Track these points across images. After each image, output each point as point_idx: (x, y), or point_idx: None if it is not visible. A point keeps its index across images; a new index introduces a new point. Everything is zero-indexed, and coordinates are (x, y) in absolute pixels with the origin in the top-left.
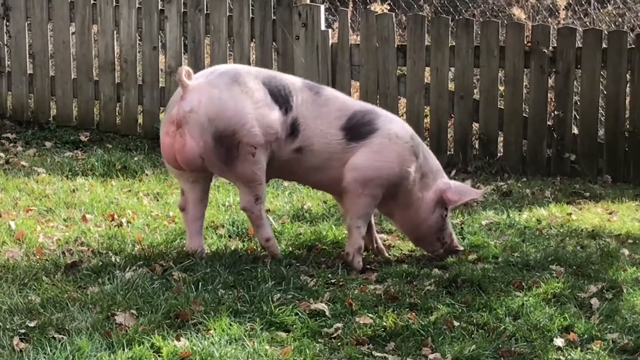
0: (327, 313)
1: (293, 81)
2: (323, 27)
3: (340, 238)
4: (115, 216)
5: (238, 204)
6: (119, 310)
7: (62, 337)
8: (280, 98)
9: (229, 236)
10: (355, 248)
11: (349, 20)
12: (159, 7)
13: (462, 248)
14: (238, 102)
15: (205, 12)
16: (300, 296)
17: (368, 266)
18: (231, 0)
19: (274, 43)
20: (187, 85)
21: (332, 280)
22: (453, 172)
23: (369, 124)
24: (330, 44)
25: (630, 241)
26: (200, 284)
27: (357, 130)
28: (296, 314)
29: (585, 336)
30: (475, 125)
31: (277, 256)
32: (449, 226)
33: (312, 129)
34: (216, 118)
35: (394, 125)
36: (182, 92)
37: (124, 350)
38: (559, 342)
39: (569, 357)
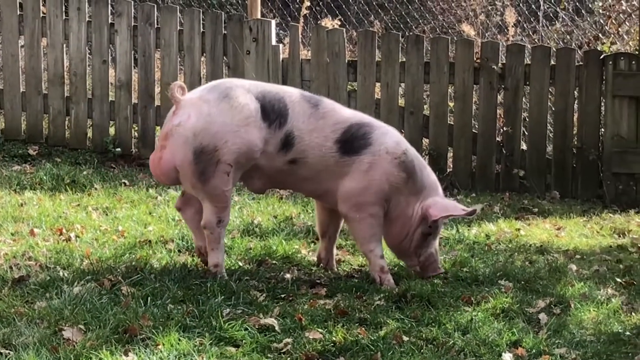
0: (276, 328)
1: (290, 93)
2: (274, 42)
3: (290, 253)
4: (64, 230)
5: None
6: (67, 325)
7: (9, 353)
8: (273, 113)
9: (179, 251)
10: (378, 270)
11: (300, 36)
12: (109, 21)
13: (442, 271)
14: (225, 118)
15: (155, 26)
16: (249, 311)
17: (318, 281)
18: (182, 15)
19: (224, 57)
20: (179, 101)
21: (282, 295)
22: None
23: (363, 137)
24: (281, 58)
25: (577, 256)
26: (149, 298)
27: (351, 143)
28: (245, 329)
29: (533, 351)
30: (425, 141)
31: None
32: (434, 246)
33: (307, 141)
34: (201, 133)
35: (387, 139)
36: (175, 107)
37: None
38: (507, 357)
39: None
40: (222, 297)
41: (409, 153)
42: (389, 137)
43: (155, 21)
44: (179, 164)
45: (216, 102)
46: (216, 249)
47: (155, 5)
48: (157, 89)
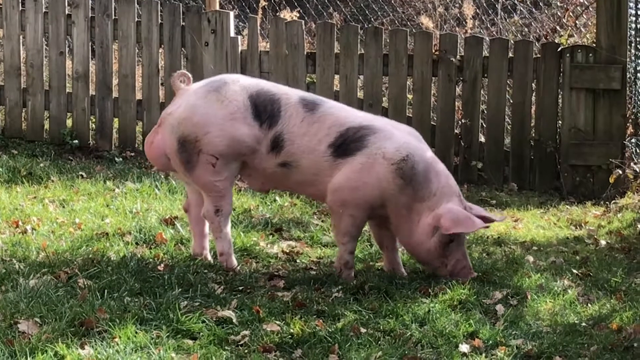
0: (234, 320)
1: (288, 96)
2: (232, 34)
3: (248, 245)
4: (20, 223)
5: (145, 210)
6: (22, 318)
7: None
8: (265, 113)
9: (136, 243)
10: (342, 263)
11: (259, 27)
12: (66, 12)
13: (474, 274)
14: (209, 110)
15: (113, 17)
16: (207, 303)
17: (276, 273)
18: (140, 6)
19: (183, 49)
20: (178, 89)
21: (240, 288)
22: None
23: (359, 140)
24: (239, 50)
25: (534, 248)
26: (105, 291)
27: (345, 146)
28: (203, 322)
29: (490, 342)
30: None
31: (229, 269)
32: (461, 251)
33: (298, 145)
34: (183, 122)
35: (386, 143)
36: (175, 95)
37: (27, 358)
38: (464, 348)
39: None
40: (180, 289)
41: (412, 159)
42: (390, 142)
43: (113, 12)
44: (169, 152)
45: (204, 94)
46: (219, 238)
47: None
48: (114, 81)
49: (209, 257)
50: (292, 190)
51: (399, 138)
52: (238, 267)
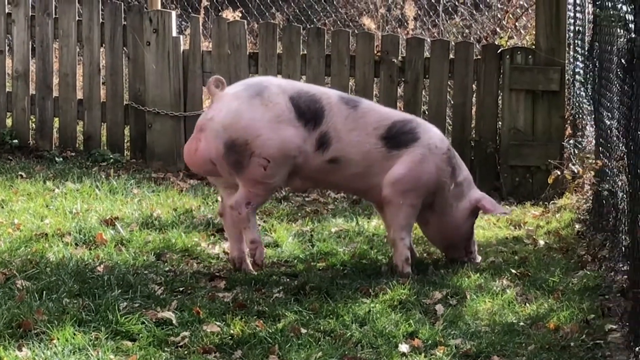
0: (174, 321)
1: (328, 95)
2: (174, 34)
3: (189, 246)
4: None
5: (85, 211)
6: None
7: None
8: (308, 113)
9: (76, 244)
10: (403, 259)
11: (201, 27)
12: (6, 11)
13: (479, 259)
14: (255, 114)
15: (53, 16)
16: (147, 304)
17: (217, 274)
18: (81, 5)
19: (124, 49)
20: (214, 94)
21: (180, 289)
22: None
23: (410, 132)
24: (181, 50)
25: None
26: (44, 292)
27: (398, 138)
28: (142, 323)
29: (429, 342)
30: None
31: (258, 261)
32: (474, 236)
33: (347, 141)
34: (229, 127)
35: (432, 134)
36: (211, 100)
37: None
38: (403, 348)
39: None
40: (120, 290)
41: (452, 149)
42: (433, 132)
43: (54, 11)
44: (214, 157)
45: (248, 98)
46: (248, 227)
47: None
48: (55, 80)
49: (248, 262)
50: (334, 187)
51: (435, 130)
52: (179, 268)
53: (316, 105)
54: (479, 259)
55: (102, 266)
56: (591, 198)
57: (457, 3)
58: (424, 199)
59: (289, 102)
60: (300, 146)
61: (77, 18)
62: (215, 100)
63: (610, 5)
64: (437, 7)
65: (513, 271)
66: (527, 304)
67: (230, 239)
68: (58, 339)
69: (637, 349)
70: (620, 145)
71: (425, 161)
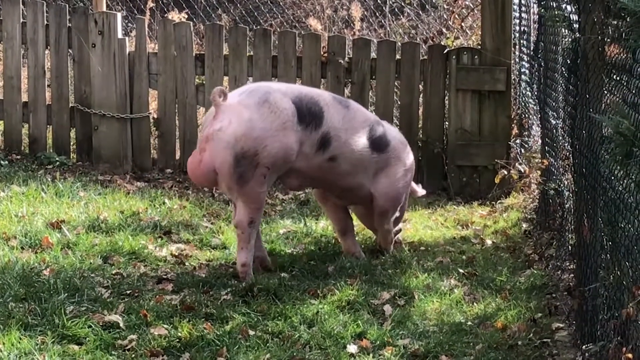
0: (121, 325)
1: (324, 97)
2: (120, 35)
3: (137, 248)
4: None
5: (31, 214)
6: None
7: None
8: (309, 116)
9: (22, 247)
10: (390, 242)
11: (147, 29)
12: None
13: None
14: (266, 123)
15: None
16: (94, 308)
17: (164, 276)
18: (25, 7)
19: (69, 50)
20: (220, 105)
21: (128, 292)
22: None
23: (383, 136)
24: (127, 52)
25: (422, 248)
26: None
27: (377, 142)
28: (89, 326)
29: (378, 342)
30: None
31: (245, 281)
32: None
33: (344, 140)
34: (242, 138)
35: (394, 132)
36: (215, 111)
37: None
38: (352, 348)
39: None
40: (66, 294)
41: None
42: (393, 131)
43: None
44: (218, 167)
45: (256, 107)
46: (245, 249)
47: None
48: (0, 83)
49: (269, 260)
50: (329, 185)
51: (392, 127)
52: (126, 271)
53: (316, 108)
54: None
55: (48, 270)
56: (538, 197)
57: (403, 4)
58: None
59: (293, 107)
60: (298, 150)
61: (21, 20)
62: (221, 111)
63: (555, 5)
64: (384, 8)
65: (461, 271)
66: (475, 304)
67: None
68: (4, 343)
69: (584, 347)
70: (566, 144)
71: (398, 168)
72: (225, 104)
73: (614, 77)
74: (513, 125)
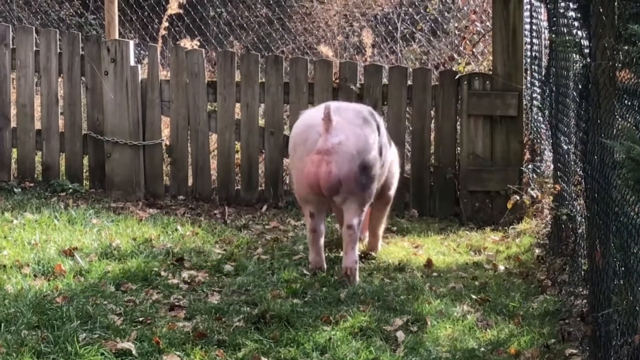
0: (134, 352)
1: (374, 112)
2: (132, 63)
3: (149, 275)
4: None
5: (44, 242)
6: None
7: None
8: (377, 129)
9: (34, 275)
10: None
11: (159, 56)
12: None
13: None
14: (372, 137)
15: (11, 46)
16: (106, 335)
17: (177, 303)
18: (38, 35)
19: (82, 78)
20: (333, 122)
21: (140, 319)
22: (264, 208)
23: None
24: (140, 79)
25: (435, 274)
26: (2, 325)
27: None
28: (102, 354)
29: None
30: (286, 161)
31: (352, 279)
32: None
33: (389, 150)
34: (363, 151)
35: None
36: (327, 126)
37: None
38: None
39: None
40: (78, 321)
41: None
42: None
43: (11, 42)
44: (344, 177)
45: (364, 125)
46: (354, 249)
47: (11, 26)
48: (13, 111)
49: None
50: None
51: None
52: (139, 298)
53: (378, 122)
54: None
55: (60, 297)
56: (550, 222)
57: (414, 30)
58: None
59: (375, 122)
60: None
61: (34, 48)
62: (335, 127)
63: (566, 31)
64: (395, 34)
65: (473, 297)
66: (488, 330)
67: (317, 251)
68: None
69: None
70: (578, 169)
71: (393, 165)
72: (338, 121)
73: (625, 102)
74: (525, 150)
